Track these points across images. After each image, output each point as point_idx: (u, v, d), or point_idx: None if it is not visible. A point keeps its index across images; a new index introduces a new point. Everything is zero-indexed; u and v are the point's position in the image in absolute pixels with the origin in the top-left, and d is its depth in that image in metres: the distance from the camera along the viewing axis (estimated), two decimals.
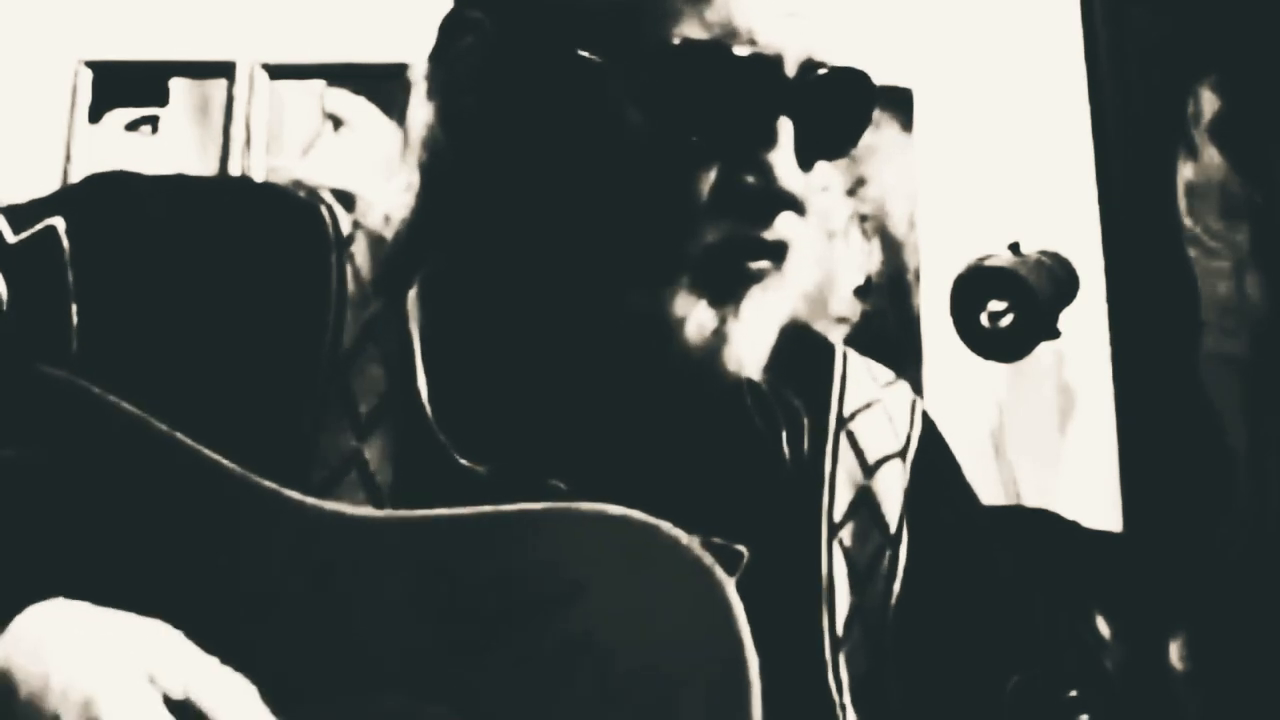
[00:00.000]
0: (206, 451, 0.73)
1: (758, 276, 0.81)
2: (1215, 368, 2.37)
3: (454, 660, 0.69)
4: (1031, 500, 2.30)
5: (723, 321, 0.80)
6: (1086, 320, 2.36)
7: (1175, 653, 2.06)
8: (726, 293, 0.80)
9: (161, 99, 2.46)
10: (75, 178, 2.34)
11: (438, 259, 0.87)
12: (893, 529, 0.91)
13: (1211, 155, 2.45)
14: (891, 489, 0.91)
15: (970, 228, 2.40)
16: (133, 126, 2.45)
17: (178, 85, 2.47)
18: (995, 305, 2.29)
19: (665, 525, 0.70)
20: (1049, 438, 2.40)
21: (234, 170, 2.40)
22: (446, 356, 0.84)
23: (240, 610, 0.71)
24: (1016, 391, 2.39)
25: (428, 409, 0.81)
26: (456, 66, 0.85)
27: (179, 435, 0.73)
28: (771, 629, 0.81)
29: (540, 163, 0.82)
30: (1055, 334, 2.32)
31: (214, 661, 0.68)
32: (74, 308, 0.78)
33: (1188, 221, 2.44)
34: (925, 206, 2.45)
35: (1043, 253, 2.32)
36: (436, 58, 0.87)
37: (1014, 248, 2.32)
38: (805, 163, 0.81)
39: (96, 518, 0.72)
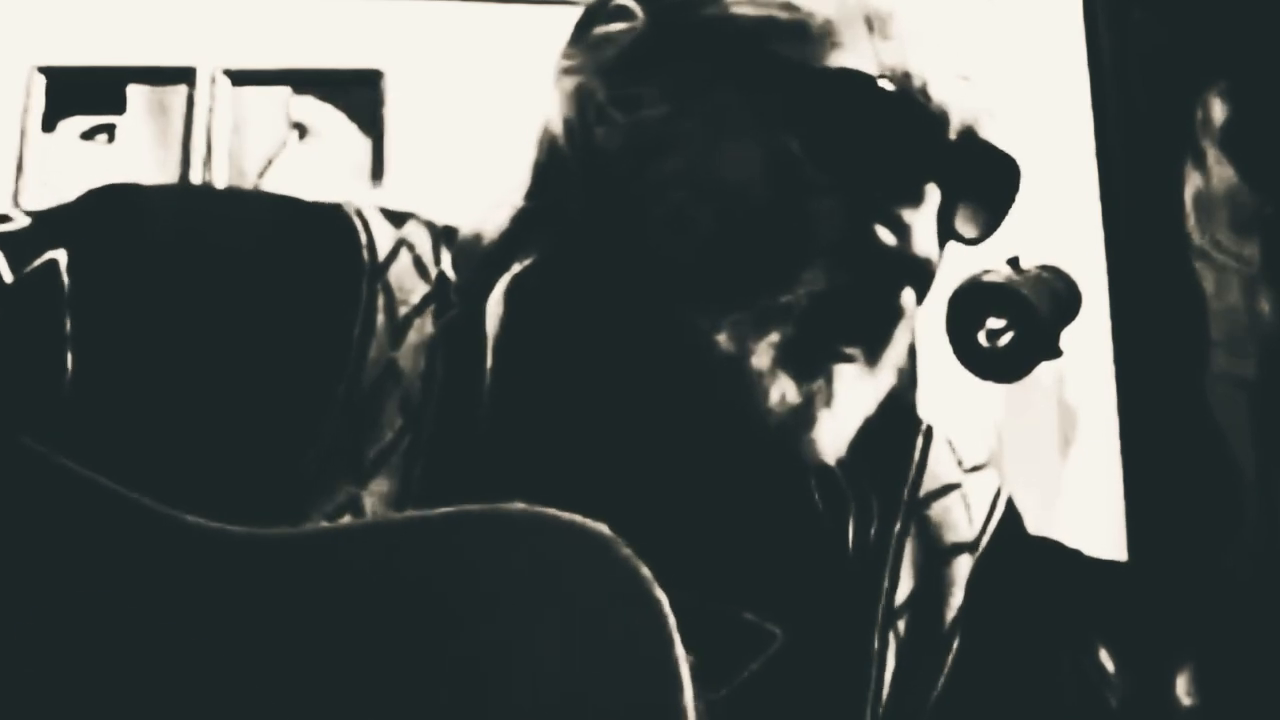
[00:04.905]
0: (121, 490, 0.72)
1: (851, 357, 0.80)
2: (1224, 388, 2.38)
3: (371, 676, 0.69)
4: (1031, 528, 2.29)
5: (809, 403, 0.79)
6: (1089, 339, 2.38)
7: (1182, 686, 2.08)
8: (815, 368, 0.79)
9: (118, 106, 2.47)
10: (27, 189, 2.35)
11: (533, 259, 0.86)
12: (946, 626, 0.89)
13: (1220, 165, 2.46)
14: (955, 583, 0.90)
15: None
16: (88, 135, 2.46)
17: (135, 92, 2.48)
18: (994, 323, 2.29)
19: (588, 523, 0.69)
20: (1049, 462, 2.42)
21: (194, 181, 2.40)
22: (515, 367, 0.83)
23: (160, 642, 0.71)
24: (1016, 413, 2.41)
25: (485, 421, 0.81)
26: (594, 51, 0.85)
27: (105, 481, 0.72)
28: (812, 716, 0.83)
29: (664, 166, 0.81)
30: (1056, 353, 2.32)
31: None
32: (69, 353, 0.77)
33: (1195, 235, 2.45)
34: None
35: (1043, 268, 2.33)
36: (575, 39, 0.87)
37: (1013, 263, 2.33)
38: (940, 239, 0.82)
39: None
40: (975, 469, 0.95)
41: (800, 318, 0.78)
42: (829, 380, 0.79)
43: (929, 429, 0.95)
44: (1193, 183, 2.47)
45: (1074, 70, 2.55)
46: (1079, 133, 2.52)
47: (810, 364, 0.79)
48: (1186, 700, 2.08)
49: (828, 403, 0.79)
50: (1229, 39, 2.48)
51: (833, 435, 0.80)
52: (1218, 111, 2.48)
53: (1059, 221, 2.44)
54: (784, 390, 0.78)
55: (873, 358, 0.81)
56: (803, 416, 0.79)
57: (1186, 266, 2.44)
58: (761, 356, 0.78)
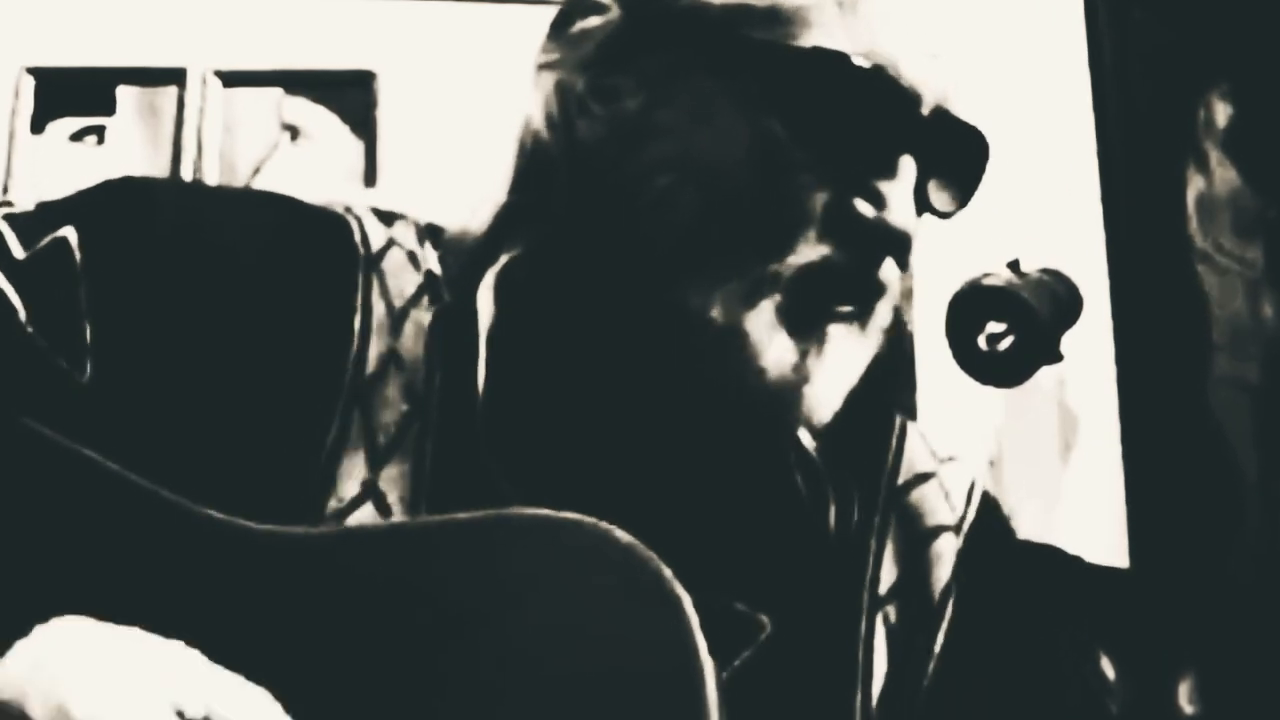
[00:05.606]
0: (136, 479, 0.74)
1: (843, 317, 0.83)
2: (1226, 392, 2.37)
3: (391, 677, 0.70)
4: (1031, 534, 2.28)
5: (804, 358, 0.82)
6: (1090, 343, 2.38)
7: (1184, 694, 2.08)
8: (809, 328, 0.82)
9: (108, 108, 2.46)
10: (16, 192, 2.35)
11: (520, 251, 0.88)
12: (934, 604, 0.91)
13: (1223, 167, 2.46)
14: (941, 564, 0.92)
15: (968, 244, 2.40)
16: (77, 137, 2.45)
17: (125, 93, 2.47)
18: (994, 327, 2.29)
19: (609, 527, 0.70)
20: (1050, 467, 2.41)
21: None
22: (507, 359, 0.85)
23: (185, 638, 0.71)
24: (1016, 418, 2.40)
25: (481, 413, 0.83)
26: (572, 46, 0.88)
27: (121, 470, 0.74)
28: (800, 704, 0.85)
29: (646, 154, 0.84)
30: (1057, 357, 2.32)
31: (235, 679, 0.69)
32: (87, 327, 0.79)
33: (1197, 238, 2.45)
34: (921, 221, 2.46)
35: (1044, 271, 2.33)
36: (552, 35, 0.89)
37: (1014, 266, 2.33)
38: (917, 211, 0.85)
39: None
40: (949, 459, 0.98)
41: (789, 286, 0.81)
42: (821, 342, 0.82)
43: (903, 422, 0.98)
44: (1195, 185, 2.47)
45: (1074, 70, 2.55)
46: (1080, 134, 2.52)
47: (804, 326, 0.82)
48: (1188, 708, 2.08)
49: (820, 352, 0.82)
50: (1231, 39, 2.49)
51: (826, 390, 0.83)
52: (1220, 113, 2.48)
53: (1060, 224, 2.45)
54: (778, 351, 0.81)
55: (859, 325, 0.84)
56: (800, 373, 0.82)
57: (1189, 269, 2.44)
58: (756, 320, 0.81)
